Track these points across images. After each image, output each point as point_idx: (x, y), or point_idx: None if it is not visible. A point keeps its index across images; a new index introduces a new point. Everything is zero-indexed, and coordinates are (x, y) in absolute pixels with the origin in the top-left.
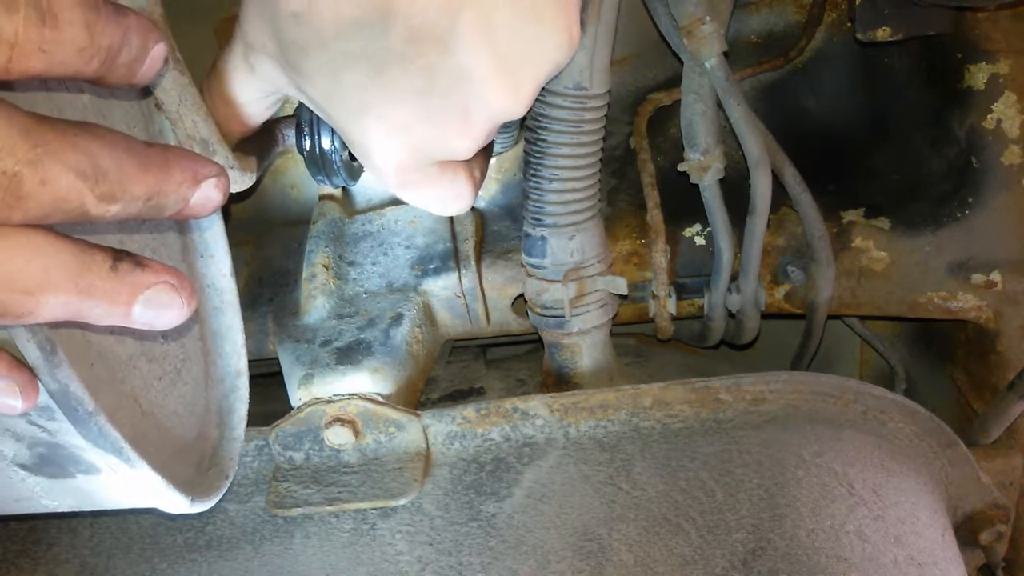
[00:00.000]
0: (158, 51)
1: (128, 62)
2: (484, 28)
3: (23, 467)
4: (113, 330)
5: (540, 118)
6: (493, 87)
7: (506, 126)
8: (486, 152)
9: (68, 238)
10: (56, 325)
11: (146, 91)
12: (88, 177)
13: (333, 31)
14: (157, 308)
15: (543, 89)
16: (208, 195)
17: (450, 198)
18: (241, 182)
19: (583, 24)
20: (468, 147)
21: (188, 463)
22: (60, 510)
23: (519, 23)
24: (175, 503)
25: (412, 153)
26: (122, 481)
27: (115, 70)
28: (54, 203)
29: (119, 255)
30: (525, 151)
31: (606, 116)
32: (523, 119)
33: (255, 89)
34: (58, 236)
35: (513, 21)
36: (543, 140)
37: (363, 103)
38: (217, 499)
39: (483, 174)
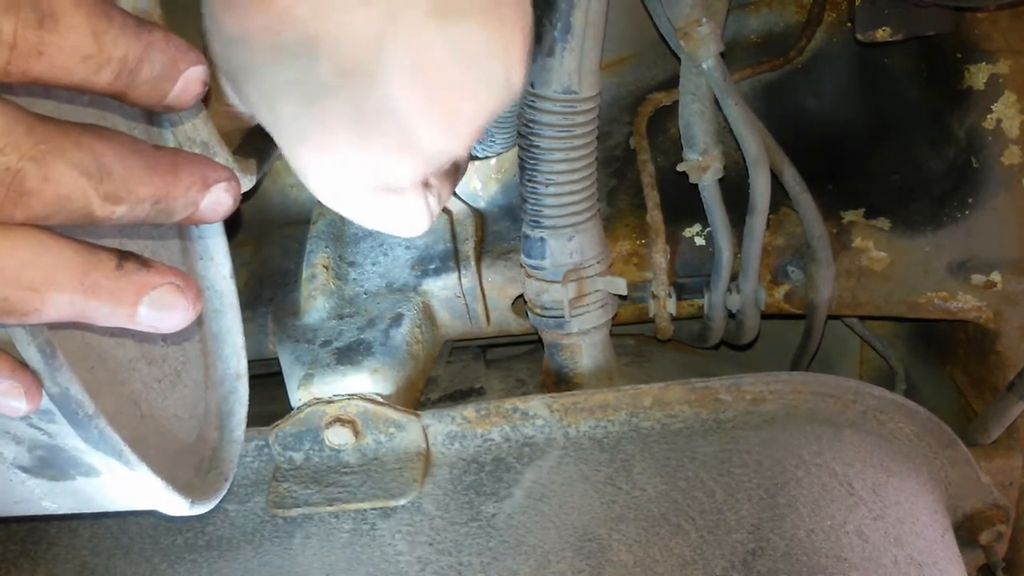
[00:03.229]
0: (194, 74)
1: (151, 80)
2: (412, 65)
3: (23, 469)
4: (113, 333)
5: (531, 124)
6: (425, 126)
7: (503, 128)
8: (453, 173)
9: (71, 238)
10: (56, 328)
11: None
12: (92, 176)
13: (265, 59)
14: (163, 309)
15: (533, 95)
16: (218, 199)
17: (398, 223)
18: (241, 184)
19: (568, 31)
20: (406, 178)
21: (188, 465)
22: (60, 512)
23: (450, 62)
24: (175, 505)
25: (350, 182)
26: (122, 483)
27: (137, 87)
28: (57, 201)
29: (124, 255)
30: (519, 156)
31: (604, 116)
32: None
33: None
34: (62, 235)
35: (443, 59)
36: (536, 146)
37: (300, 132)
38: (217, 501)
39: (446, 196)
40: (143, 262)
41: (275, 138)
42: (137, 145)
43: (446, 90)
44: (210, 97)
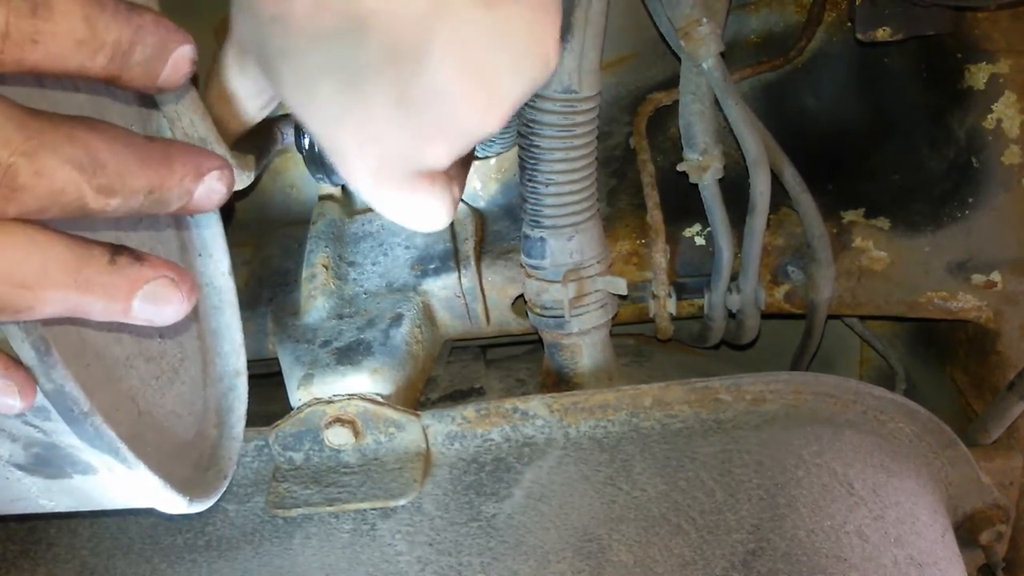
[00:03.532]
0: (183, 53)
1: (144, 62)
2: (459, 47)
3: (19, 467)
4: (110, 329)
5: (531, 124)
6: (467, 105)
7: (503, 127)
8: (464, 166)
9: (64, 233)
10: (52, 324)
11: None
12: (85, 169)
13: (309, 39)
14: (157, 303)
15: (533, 94)
16: (212, 188)
17: (425, 212)
18: (240, 181)
19: (568, 30)
20: (443, 160)
21: (186, 463)
22: (58, 510)
23: (494, 44)
24: (173, 503)
25: (385, 164)
26: (119, 481)
27: (129, 70)
28: (50, 196)
29: (117, 250)
30: (520, 156)
31: (604, 116)
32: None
33: (249, 88)
34: (55, 231)
35: (488, 42)
36: (536, 146)
37: (338, 113)
38: (215, 499)
39: (461, 189)
40: (136, 256)
41: (307, 120)
42: (130, 137)
43: (489, 71)
44: (198, 81)
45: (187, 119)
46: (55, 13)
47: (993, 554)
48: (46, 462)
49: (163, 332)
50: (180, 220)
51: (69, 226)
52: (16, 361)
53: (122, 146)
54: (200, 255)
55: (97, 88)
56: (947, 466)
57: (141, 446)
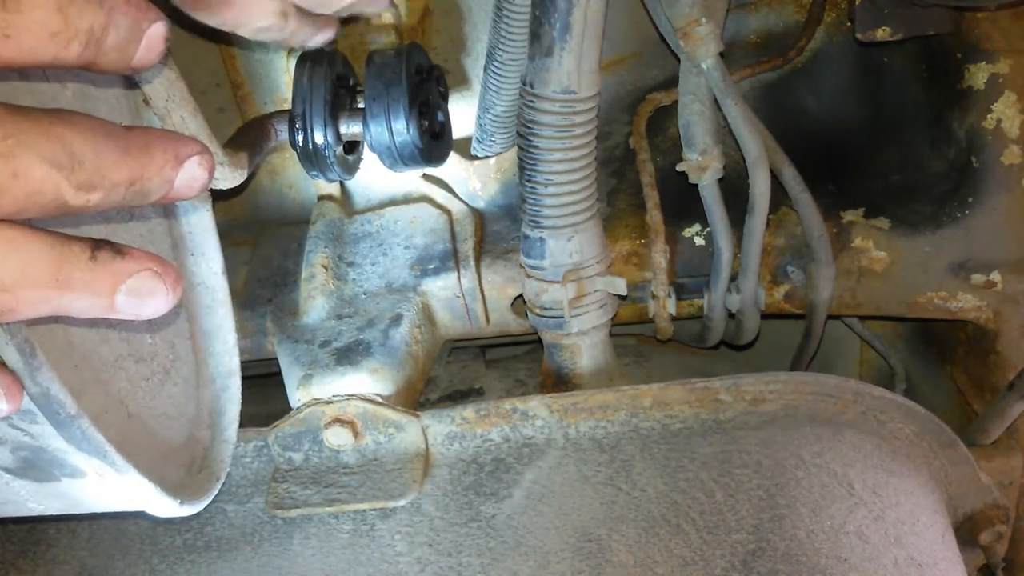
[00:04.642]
0: (156, 31)
1: (118, 45)
2: None
3: (7, 471)
4: (98, 330)
5: (530, 124)
6: None
7: (503, 127)
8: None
9: (44, 231)
10: (37, 325)
11: (134, 85)
12: (63, 167)
13: None
14: (141, 296)
15: (532, 94)
16: (193, 175)
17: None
18: (232, 178)
19: (567, 30)
20: None
21: (177, 466)
22: (47, 513)
23: None
24: (163, 506)
25: None
26: (108, 485)
27: (104, 55)
28: (28, 196)
29: (98, 244)
30: (519, 156)
31: (604, 116)
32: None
33: None
34: (33, 230)
35: None
36: (535, 146)
37: None
38: (207, 501)
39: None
40: (117, 250)
41: None
42: (108, 128)
43: None
44: (171, 54)
45: (178, 116)
46: (24, 5)
47: (993, 554)
48: (34, 465)
49: (152, 330)
50: (170, 211)
51: (54, 220)
52: (1, 364)
53: (101, 138)
54: (193, 254)
55: (88, 77)
56: (947, 466)
57: (131, 449)
